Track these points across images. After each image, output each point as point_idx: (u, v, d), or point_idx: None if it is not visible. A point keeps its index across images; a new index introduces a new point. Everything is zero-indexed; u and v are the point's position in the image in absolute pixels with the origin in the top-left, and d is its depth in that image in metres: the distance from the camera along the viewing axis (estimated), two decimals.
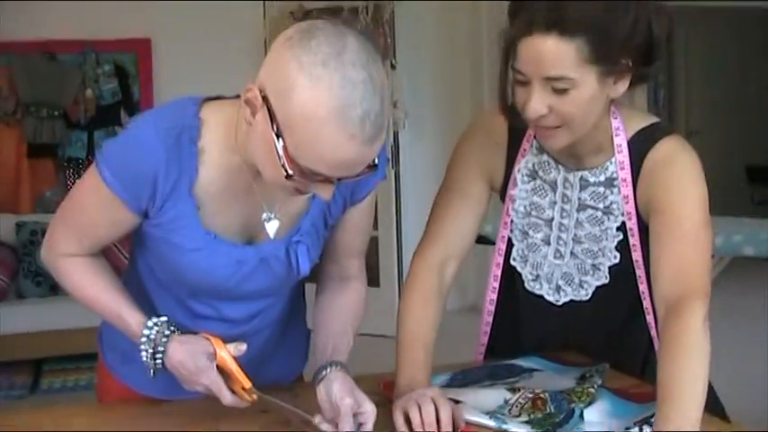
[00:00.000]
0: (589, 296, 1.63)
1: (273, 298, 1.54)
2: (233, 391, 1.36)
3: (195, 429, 1.41)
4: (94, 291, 1.44)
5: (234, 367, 1.36)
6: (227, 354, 1.36)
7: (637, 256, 1.54)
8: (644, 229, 1.51)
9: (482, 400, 1.50)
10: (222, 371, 1.36)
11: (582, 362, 1.72)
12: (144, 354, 1.37)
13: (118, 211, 1.37)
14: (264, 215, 1.40)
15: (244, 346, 1.38)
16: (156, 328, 1.37)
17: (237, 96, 1.35)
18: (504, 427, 1.40)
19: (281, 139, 1.19)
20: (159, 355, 1.36)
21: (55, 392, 4.18)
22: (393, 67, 5.01)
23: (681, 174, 1.45)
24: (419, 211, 3.88)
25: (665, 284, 1.39)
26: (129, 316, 1.40)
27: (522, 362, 1.72)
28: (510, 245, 1.68)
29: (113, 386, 1.59)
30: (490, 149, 1.63)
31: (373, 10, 4.93)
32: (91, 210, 1.40)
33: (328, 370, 1.40)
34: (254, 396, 1.36)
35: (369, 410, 1.34)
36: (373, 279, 4.45)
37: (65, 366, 4.43)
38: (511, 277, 1.69)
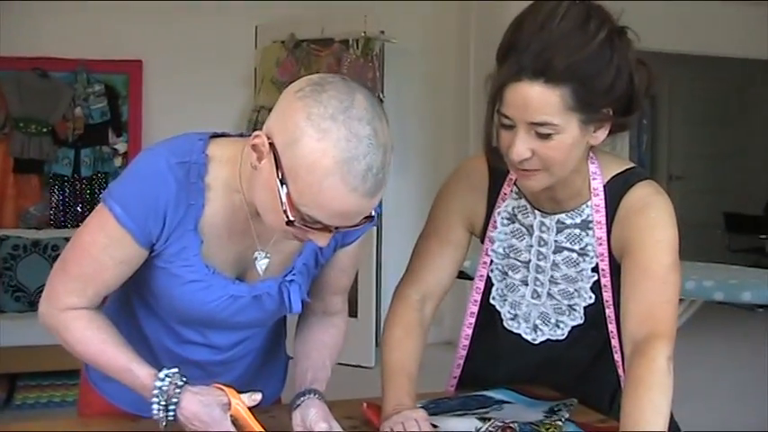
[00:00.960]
0: (565, 335, 1.68)
1: (261, 328, 1.59)
2: None
3: None
4: (100, 345, 1.40)
5: (248, 417, 1.37)
6: (242, 404, 1.37)
7: (607, 296, 1.60)
8: (616, 271, 1.57)
9: (454, 427, 1.55)
10: (235, 420, 1.37)
11: (551, 396, 1.76)
12: (156, 407, 1.35)
13: (127, 247, 1.37)
14: (256, 253, 1.44)
15: (258, 396, 1.39)
16: (168, 379, 1.35)
17: (241, 135, 1.40)
18: None
19: (284, 186, 1.23)
20: (172, 407, 1.35)
21: (28, 408, 4.18)
22: (381, 100, 5.08)
23: (653, 218, 1.51)
24: (398, 243, 3.95)
25: (632, 324, 1.44)
26: (139, 369, 1.38)
27: (492, 393, 1.77)
28: (489, 283, 1.73)
29: (95, 400, 1.62)
30: (472, 195, 1.69)
31: (364, 43, 5.01)
32: (97, 251, 1.37)
33: (306, 397, 1.45)
34: None
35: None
36: (352, 311, 4.49)
37: (39, 383, 4.42)
38: (488, 314, 1.75)
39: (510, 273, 1.70)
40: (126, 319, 1.49)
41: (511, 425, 1.55)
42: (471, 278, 1.77)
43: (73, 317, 1.41)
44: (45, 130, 5.09)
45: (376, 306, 5.21)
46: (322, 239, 1.30)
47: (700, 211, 7.99)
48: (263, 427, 1.39)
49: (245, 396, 1.40)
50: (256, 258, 1.44)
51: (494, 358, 1.81)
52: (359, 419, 1.60)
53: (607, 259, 1.58)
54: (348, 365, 4.36)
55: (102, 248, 1.37)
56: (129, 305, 1.53)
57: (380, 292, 5.22)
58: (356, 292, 5.14)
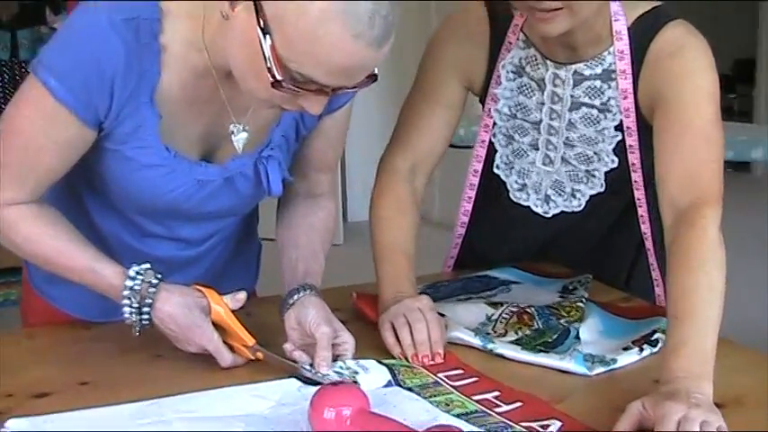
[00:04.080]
0: (582, 206, 1.47)
1: (235, 218, 1.35)
2: (231, 349, 1.18)
3: (131, 355, 1.22)
4: (53, 243, 1.17)
5: (233, 322, 1.17)
6: (224, 308, 1.17)
7: (634, 158, 1.38)
8: (643, 129, 1.35)
9: (462, 316, 1.35)
10: (217, 327, 1.16)
11: (562, 273, 1.58)
12: (128, 310, 1.13)
13: (68, 126, 1.11)
14: (232, 127, 1.19)
15: (242, 296, 1.18)
16: (140, 277, 1.13)
17: None
18: (491, 347, 1.24)
19: (268, 37, 0.98)
20: (146, 309, 1.13)
21: None
22: None
23: (690, 63, 1.28)
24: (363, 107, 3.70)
25: (674, 189, 1.23)
26: (104, 267, 1.15)
27: (497, 273, 1.57)
28: (491, 150, 1.50)
29: (39, 306, 1.38)
30: (470, 45, 1.44)
31: None
32: (33, 132, 1.12)
33: (301, 295, 1.22)
34: (259, 354, 1.18)
35: (348, 341, 1.19)
36: None
37: None
38: (491, 186, 1.52)
39: (517, 136, 1.46)
40: (75, 214, 1.23)
41: (527, 310, 1.35)
42: (467, 147, 1.54)
43: (16, 213, 1.16)
44: None
45: (341, 174, 4.99)
46: (316, 105, 1.05)
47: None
48: (251, 335, 1.18)
49: (227, 298, 1.18)
50: (232, 133, 1.19)
51: (497, 235, 1.60)
52: (348, 312, 1.40)
53: (633, 115, 1.35)
54: None
55: (38, 130, 1.11)
56: (78, 198, 1.28)
57: (345, 157, 4.98)
58: None
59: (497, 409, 1.06)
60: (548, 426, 1.02)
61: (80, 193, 1.28)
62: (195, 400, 1.08)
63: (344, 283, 1.51)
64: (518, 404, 1.08)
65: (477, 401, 1.08)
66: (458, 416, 1.04)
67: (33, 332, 1.37)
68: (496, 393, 1.11)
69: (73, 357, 1.24)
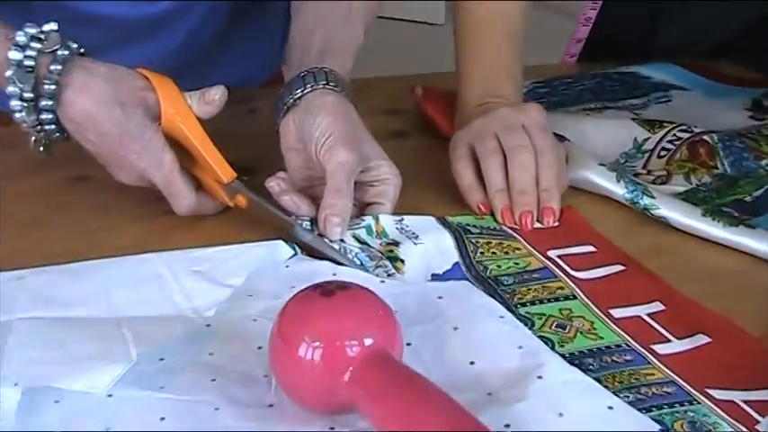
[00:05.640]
0: None
1: None
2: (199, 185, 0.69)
3: (39, 173, 0.74)
4: None
5: (199, 140, 0.66)
6: (186, 114, 0.66)
7: None
8: None
9: (594, 140, 0.81)
10: (175, 145, 0.66)
11: (752, 80, 1.01)
12: (17, 104, 0.64)
13: None
14: None
15: (217, 94, 0.67)
16: (37, 45, 0.63)
17: None
18: (646, 203, 0.70)
19: None
20: (48, 104, 0.64)
21: None
22: None
23: None
24: None
25: None
26: None
27: (648, 71, 1.02)
28: None
29: None
30: None
31: None
32: None
33: (307, 88, 0.68)
34: (241, 199, 0.67)
35: (389, 179, 0.67)
36: None
37: None
38: None
39: None
40: None
41: (705, 138, 0.80)
42: None
43: None
44: None
45: None
46: None
47: None
48: (230, 164, 0.67)
49: (193, 95, 0.67)
50: None
51: (651, 13, 1.02)
52: (408, 115, 0.88)
53: None
54: (402, 21, 3.46)
55: None
56: None
57: None
58: None
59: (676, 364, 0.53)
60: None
61: None
62: (88, 272, 0.59)
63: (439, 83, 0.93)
64: (710, 341, 0.55)
65: (623, 328, 0.55)
66: (588, 367, 0.51)
67: None
68: (660, 308, 0.58)
69: None
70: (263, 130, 0.73)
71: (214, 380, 0.49)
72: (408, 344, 0.49)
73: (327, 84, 0.68)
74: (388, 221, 0.65)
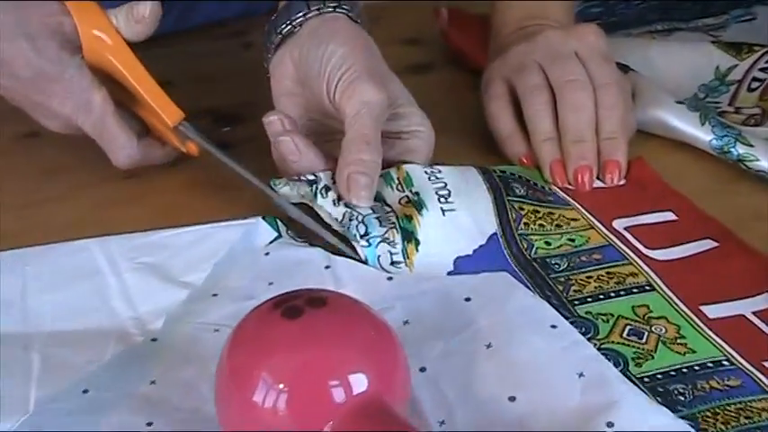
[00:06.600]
0: None
1: None
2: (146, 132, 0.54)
3: None
4: None
5: (132, 68, 0.51)
6: (112, 29, 0.51)
7: None
8: None
9: (665, 69, 0.65)
10: (109, 83, 0.52)
11: None
12: None
13: None
14: None
15: (148, 7, 0.51)
16: None
17: None
18: (741, 151, 0.54)
19: None
20: None
21: None
22: None
23: None
24: None
25: None
26: None
27: None
28: None
29: None
30: None
31: None
32: None
33: (312, 11, 0.52)
34: (192, 147, 0.53)
35: (422, 129, 0.51)
36: None
37: None
38: None
39: None
40: None
41: None
42: None
43: None
44: None
45: None
46: None
47: None
48: (168, 100, 0.51)
49: (119, 14, 0.51)
50: None
51: None
52: (431, 45, 0.73)
53: None
54: None
55: None
56: None
57: None
58: None
59: None
60: None
61: None
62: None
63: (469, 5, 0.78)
64: None
65: (722, 335, 0.40)
66: (676, 398, 0.36)
67: None
68: None
69: None
70: (261, 68, 0.58)
71: (150, 424, 0.35)
72: (422, 369, 0.35)
73: (339, 6, 0.52)
74: (414, 168, 0.50)
